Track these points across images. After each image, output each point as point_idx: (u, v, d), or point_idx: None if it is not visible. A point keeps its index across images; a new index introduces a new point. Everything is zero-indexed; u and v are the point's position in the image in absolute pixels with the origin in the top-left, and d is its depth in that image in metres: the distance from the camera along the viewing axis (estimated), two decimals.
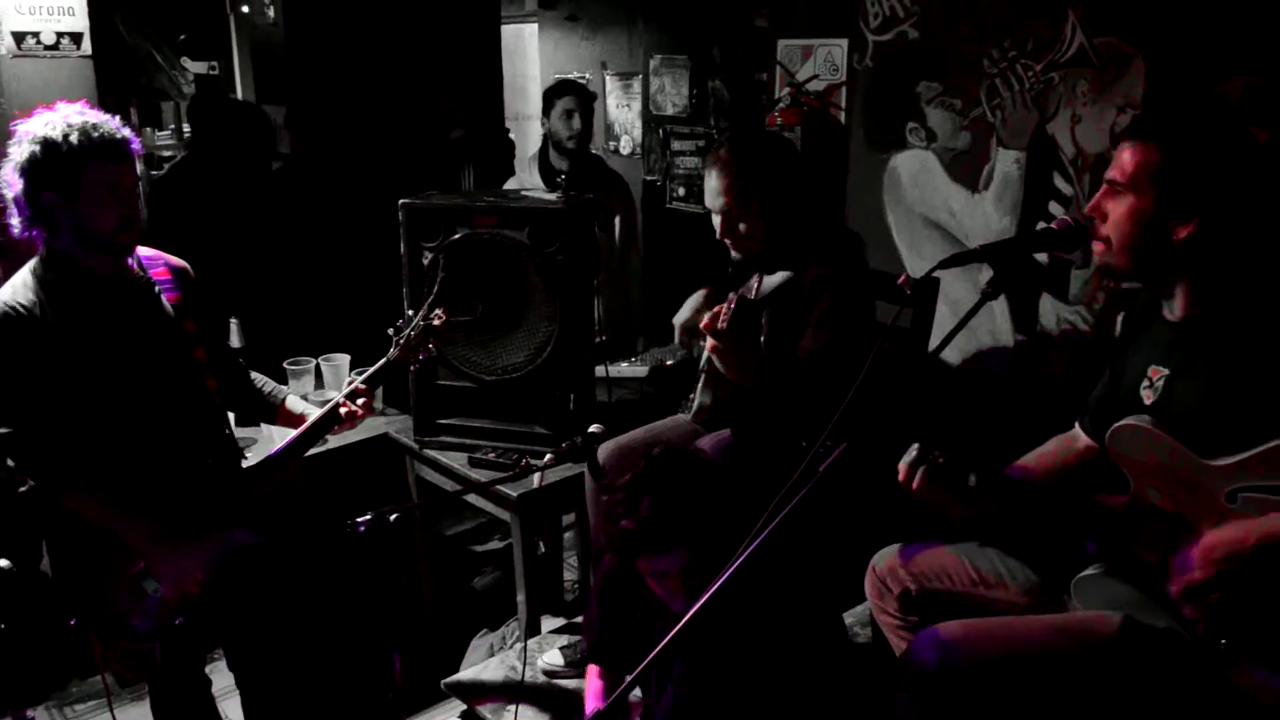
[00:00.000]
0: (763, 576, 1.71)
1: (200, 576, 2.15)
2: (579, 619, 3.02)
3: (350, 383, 2.42)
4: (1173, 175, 1.70)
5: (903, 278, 1.83)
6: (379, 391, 2.82)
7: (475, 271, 2.77)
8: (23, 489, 2.48)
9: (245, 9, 5.09)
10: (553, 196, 2.82)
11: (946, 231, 3.35)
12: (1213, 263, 1.73)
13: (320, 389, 3.18)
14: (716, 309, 2.32)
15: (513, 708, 2.52)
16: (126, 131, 2.11)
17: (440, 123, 4.39)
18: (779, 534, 1.50)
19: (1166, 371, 1.79)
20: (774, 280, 2.52)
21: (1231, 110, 2.56)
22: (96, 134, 2.04)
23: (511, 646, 3.01)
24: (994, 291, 1.76)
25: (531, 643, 2.78)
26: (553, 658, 2.68)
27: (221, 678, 2.54)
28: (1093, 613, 1.84)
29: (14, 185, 2.06)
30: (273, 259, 4.21)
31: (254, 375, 2.55)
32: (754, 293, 2.52)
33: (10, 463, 2.22)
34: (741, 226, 2.49)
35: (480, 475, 2.82)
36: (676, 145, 4.70)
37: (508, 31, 5.52)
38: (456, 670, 2.86)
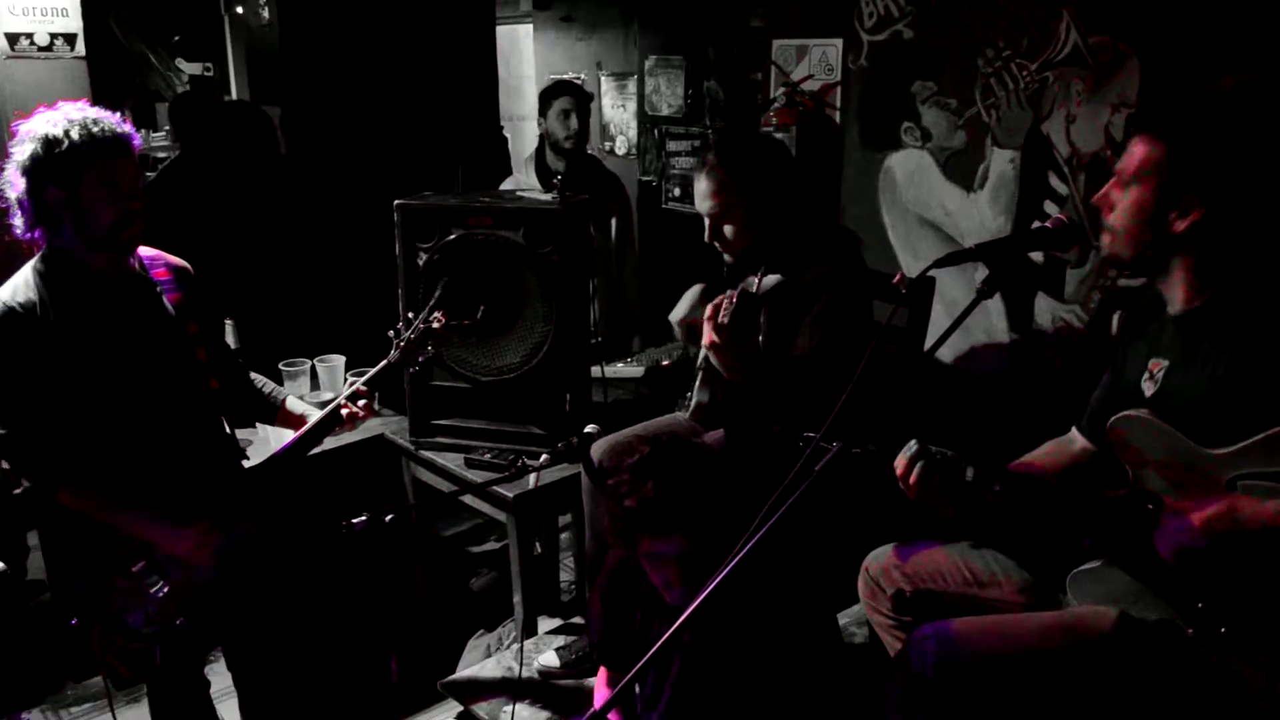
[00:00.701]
0: (759, 575, 1.71)
1: (211, 551, 2.14)
2: (575, 619, 3.02)
3: (350, 384, 2.41)
4: (1174, 167, 1.72)
5: (898, 277, 1.84)
6: (376, 393, 2.81)
7: (470, 272, 2.77)
8: (18, 490, 2.48)
9: (240, 10, 5.09)
10: (548, 197, 2.81)
11: (942, 231, 3.35)
12: (1214, 253, 1.75)
13: (316, 390, 3.18)
14: (718, 300, 2.32)
15: (509, 708, 2.52)
16: (127, 128, 2.11)
17: (446, 153, 4.39)
18: (775, 533, 1.50)
19: (1166, 363, 1.81)
20: (774, 278, 2.52)
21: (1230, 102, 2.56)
22: (98, 130, 2.04)
23: (508, 647, 3.01)
24: (989, 290, 1.77)
25: (528, 643, 2.77)
26: (549, 659, 2.68)
27: (219, 679, 2.54)
28: (1088, 608, 1.84)
29: (16, 185, 2.06)
30: (267, 259, 4.20)
31: (254, 376, 2.55)
32: (755, 288, 2.52)
33: (4, 465, 2.22)
34: (726, 230, 2.50)
35: (476, 476, 2.81)
36: (672, 145, 4.70)
37: (502, 32, 5.53)
38: (453, 671, 2.86)
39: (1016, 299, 3.16)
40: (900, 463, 1.83)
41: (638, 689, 2.10)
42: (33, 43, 3.54)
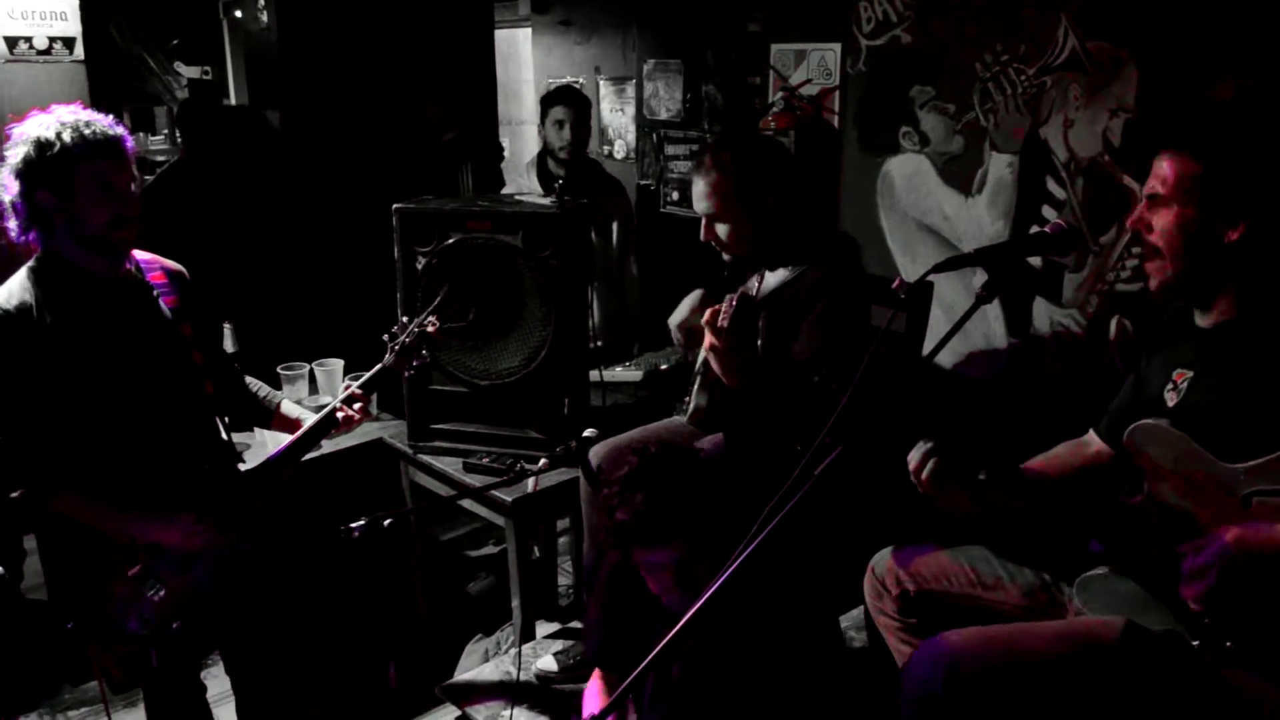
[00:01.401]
0: (758, 580, 1.71)
1: (202, 542, 2.13)
2: (574, 624, 3.01)
3: (346, 388, 2.41)
4: (1215, 182, 1.72)
5: (897, 281, 1.83)
6: (373, 397, 2.82)
7: (469, 276, 2.77)
8: (14, 495, 2.47)
9: (238, 14, 5.08)
10: (547, 201, 2.82)
11: (940, 235, 3.36)
12: (1256, 268, 1.75)
13: (314, 394, 3.18)
14: (717, 305, 2.32)
15: (507, 713, 2.51)
16: (120, 130, 2.11)
17: (429, 130, 4.38)
18: (774, 537, 1.50)
19: (1190, 374, 1.81)
20: (773, 282, 2.52)
21: (1257, 111, 2.56)
22: (89, 131, 2.04)
23: (506, 651, 3.01)
24: (988, 295, 1.77)
25: (526, 648, 2.77)
26: (547, 663, 2.67)
27: (216, 683, 2.54)
28: (1095, 618, 1.84)
29: (10, 188, 2.06)
30: (266, 263, 4.20)
31: (248, 379, 2.54)
32: (755, 292, 2.52)
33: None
34: (722, 230, 2.50)
35: (475, 480, 2.81)
36: (670, 150, 4.70)
37: (501, 36, 5.53)
38: (451, 675, 2.85)
39: (1015, 304, 3.16)
40: (914, 459, 1.83)
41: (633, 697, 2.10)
42: (31, 46, 3.54)
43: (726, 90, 4.33)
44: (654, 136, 4.76)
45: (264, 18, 4.32)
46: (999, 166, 3.14)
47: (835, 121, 3.64)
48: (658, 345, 3.81)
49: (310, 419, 2.42)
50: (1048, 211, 3.04)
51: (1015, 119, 3.07)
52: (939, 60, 3.25)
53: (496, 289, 2.78)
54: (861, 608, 2.70)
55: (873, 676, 2.26)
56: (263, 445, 3.00)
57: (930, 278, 1.83)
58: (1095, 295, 2.96)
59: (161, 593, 2.14)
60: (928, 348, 2.75)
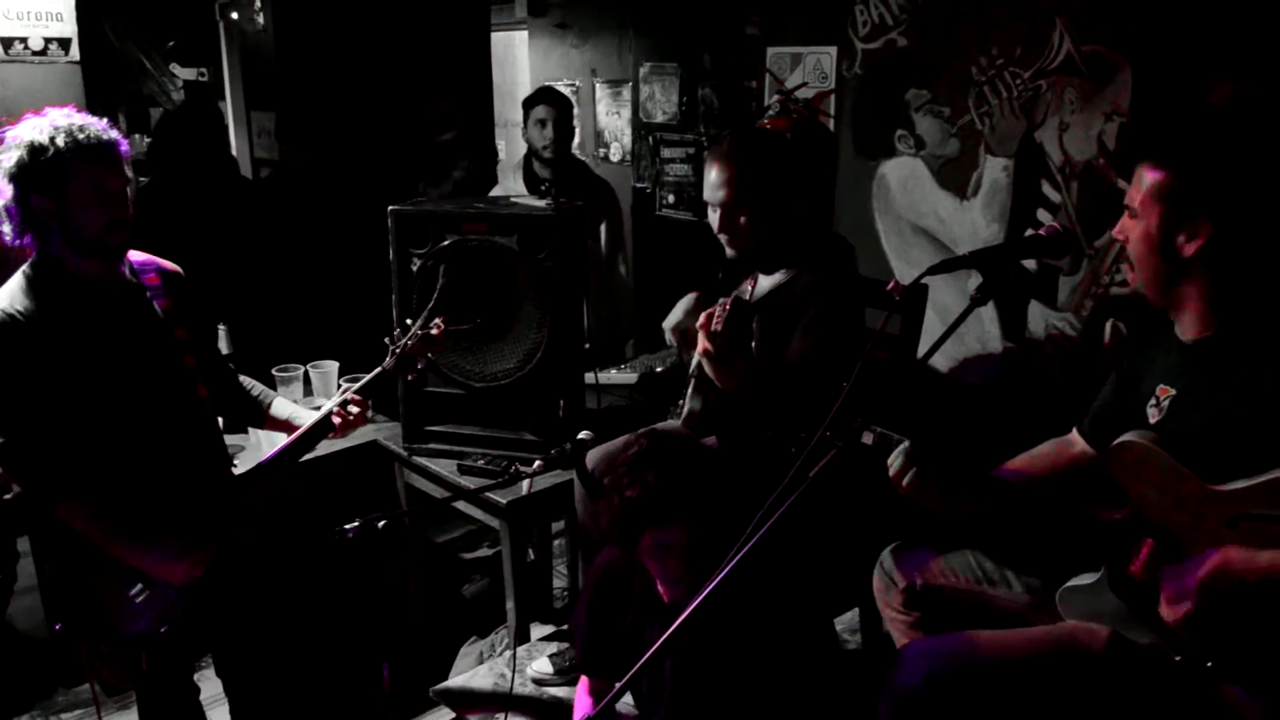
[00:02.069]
0: (754, 580, 1.71)
1: (198, 574, 2.13)
2: (568, 626, 3.01)
3: (342, 391, 2.41)
4: (1178, 193, 1.73)
5: (892, 284, 1.84)
6: (371, 400, 2.81)
7: (465, 278, 2.77)
8: (7, 496, 2.47)
9: (235, 15, 5.08)
10: (543, 204, 2.82)
11: (935, 238, 3.36)
12: (1224, 280, 1.75)
13: (309, 395, 3.17)
14: (710, 310, 2.32)
15: (501, 716, 2.51)
16: (114, 133, 2.10)
17: (434, 125, 4.38)
18: (770, 539, 1.50)
19: (1174, 392, 1.81)
20: (767, 285, 2.52)
21: (1228, 119, 2.58)
22: (83, 136, 2.03)
23: (501, 654, 3.00)
24: (983, 298, 1.77)
25: (521, 650, 2.77)
26: (542, 665, 2.67)
27: (210, 685, 2.53)
28: (1080, 624, 1.84)
29: (3, 192, 2.05)
30: (261, 264, 4.20)
31: (242, 378, 2.54)
32: (749, 295, 2.52)
33: None
34: (741, 219, 2.48)
35: (469, 482, 2.81)
36: (666, 152, 4.70)
37: (497, 38, 5.53)
38: (445, 678, 2.85)
39: (1010, 307, 3.16)
40: (894, 463, 1.83)
41: (630, 701, 2.10)
42: (27, 47, 3.53)
43: (723, 93, 4.34)
44: (650, 139, 4.77)
45: (260, 19, 4.32)
46: (994, 170, 3.15)
47: (831, 125, 3.64)
48: (652, 348, 3.82)
49: (302, 415, 2.42)
50: (1043, 215, 3.04)
51: (1010, 122, 3.07)
52: (934, 64, 3.25)
53: (492, 291, 2.78)
54: (856, 611, 2.71)
55: (867, 678, 2.26)
56: (257, 447, 2.99)
57: (925, 280, 1.83)
58: (1090, 298, 2.96)
59: (147, 594, 2.13)
60: (922, 350, 2.76)
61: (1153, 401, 1.84)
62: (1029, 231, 3.03)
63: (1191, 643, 1.67)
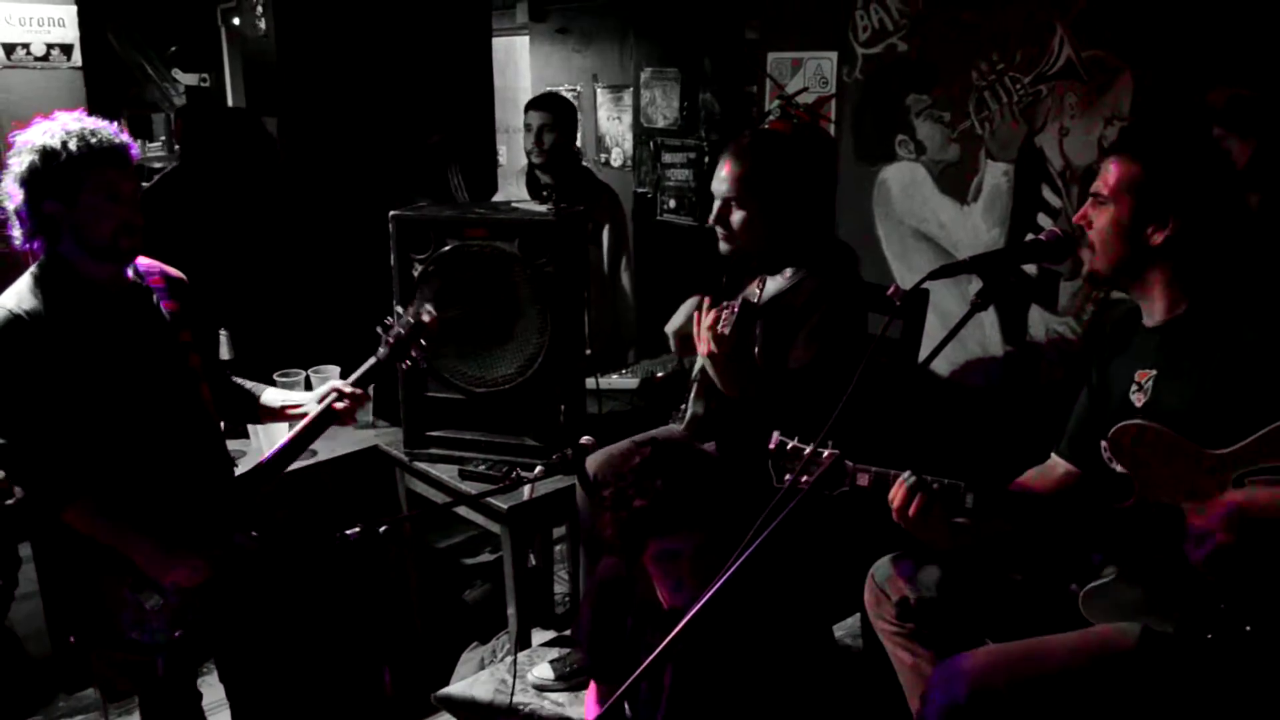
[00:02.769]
0: (753, 587, 1.71)
1: (202, 579, 2.14)
2: (569, 632, 3.01)
3: (330, 390, 2.38)
4: (1149, 186, 1.80)
5: (893, 288, 1.84)
6: (370, 390, 2.80)
7: (465, 283, 2.77)
8: (10, 501, 2.47)
9: (236, 21, 5.09)
10: (543, 209, 2.82)
11: (936, 243, 3.36)
12: (1189, 265, 1.82)
13: None
14: (716, 312, 2.31)
15: None
16: (125, 138, 2.11)
17: (432, 159, 4.37)
18: (769, 546, 1.50)
19: (1154, 372, 1.84)
20: (772, 289, 2.52)
21: (1213, 119, 2.59)
22: (95, 140, 2.04)
23: (502, 660, 3.00)
24: (983, 303, 1.78)
25: (522, 655, 2.77)
26: (543, 671, 2.67)
27: (212, 691, 2.53)
28: (1110, 626, 1.84)
29: (14, 197, 2.05)
30: (262, 270, 4.20)
31: (235, 380, 2.54)
32: (757, 299, 2.52)
33: (1, 473, 2.20)
34: (735, 218, 2.49)
35: (470, 487, 2.81)
36: (667, 158, 4.71)
37: (499, 44, 5.54)
38: (447, 683, 2.85)
39: (1010, 311, 3.16)
40: (897, 494, 1.82)
41: (627, 705, 2.10)
42: (29, 53, 3.54)
43: (723, 98, 4.34)
44: (651, 144, 4.77)
45: (262, 25, 4.32)
46: (995, 175, 3.15)
47: (831, 130, 3.65)
48: (654, 352, 3.81)
49: (294, 399, 2.42)
50: (1043, 219, 3.04)
51: (1011, 128, 3.08)
52: (935, 69, 3.26)
53: (492, 296, 2.78)
54: (858, 615, 2.71)
55: (867, 683, 2.26)
56: (258, 451, 2.99)
57: (926, 285, 1.83)
58: (1090, 303, 2.97)
59: (159, 602, 2.13)
60: (924, 355, 2.76)
61: (1135, 388, 1.86)
62: (1029, 236, 3.05)
63: (1225, 608, 1.67)
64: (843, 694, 2.09)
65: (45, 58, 3.58)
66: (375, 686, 2.99)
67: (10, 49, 3.51)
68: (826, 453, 1.80)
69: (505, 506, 2.73)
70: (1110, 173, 1.84)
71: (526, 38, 5.58)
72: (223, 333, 3.21)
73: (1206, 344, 1.78)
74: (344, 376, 3.13)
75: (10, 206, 2.07)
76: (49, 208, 2.04)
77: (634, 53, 4.81)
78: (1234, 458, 1.69)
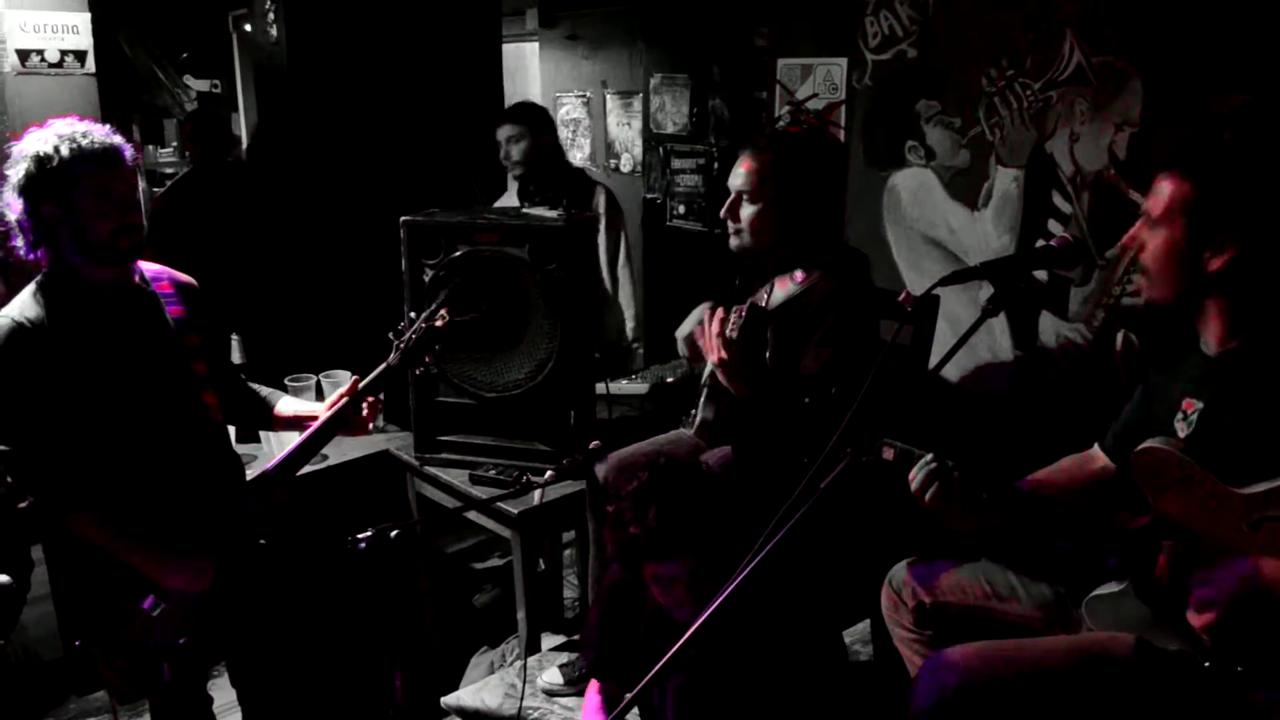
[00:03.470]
0: (764, 592, 1.71)
1: (207, 584, 2.14)
2: (579, 636, 3.01)
3: (343, 393, 2.39)
4: (1204, 207, 1.72)
5: (904, 295, 1.84)
6: (381, 396, 2.81)
7: (476, 288, 2.78)
8: (22, 505, 2.48)
9: (248, 27, 5.11)
10: (554, 214, 2.83)
11: (946, 249, 3.36)
12: (1247, 293, 1.74)
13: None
14: (724, 317, 2.32)
15: None
16: (118, 139, 2.12)
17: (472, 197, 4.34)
18: (781, 550, 1.50)
19: (1201, 405, 1.79)
20: (782, 295, 2.52)
21: (1222, 124, 2.58)
22: (86, 141, 2.05)
23: (511, 664, 3.01)
24: (994, 309, 1.77)
25: (531, 660, 2.77)
26: (552, 676, 2.67)
27: (222, 694, 2.53)
28: (1105, 634, 1.83)
29: (14, 206, 2.07)
30: (274, 275, 4.22)
31: (250, 385, 2.55)
32: (765, 303, 2.52)
33: (9, 479, 2.21)
34: (746, 212, 2.50)
35: (481, 492, 2.81)
36: (676, 163, 4.72)
37: (509, 50, 5.56)
38: (457, 688, 2.85)
39: (1021, 317, 3.16)
40: (916, 477, 1.82)
41: (638, 708, 2.10)
42: (43, 59, 3.57)
43: (733, 104, 4.35)
44: (660, 150, 4.78)
45: (273, 31, 4.34)
46: (1005, 181, 3.15)
47: (841, 136, 3.65)
48: (664, 358, 3.82)
49: (307, 408, 2.43)
50: (1054, 226, 3.04)
51: (1021, 133, 3.08)
52: (945, 75, 3.26)
53: (503, 301, 2.79)
54: (868, 621, 2.70)
55: (878, 690, 2.26)
56: (269, 456, 3.00)
57: (936, 291, 1.83)
58: (1101, 309, 2.96)
59: (164, 607, 2.14)
60: (934, 361, 2.76)
61: (1180, 416, 1.82)
62: (1040, 242, 3.05)
63: (1218, 649, 1.66)
64: (853, 700, 2.08)
65: (59, 64, 3.60)
66: (385, 691, 2.99)
67: (25, 56, 3.53)
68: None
69: (515, 511, 2.74)
70: (1162, 192, 1.76)
71: (536, 44, 5.60)
72: (235, 337, 3.22)
73: (1259, 380, 1.71)
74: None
75: (12, 217, 2.09)
76: (47, 212, 2.06)
77: (643, 59, 4.82)
78: (1258, 500, 1.64)
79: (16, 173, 2.06)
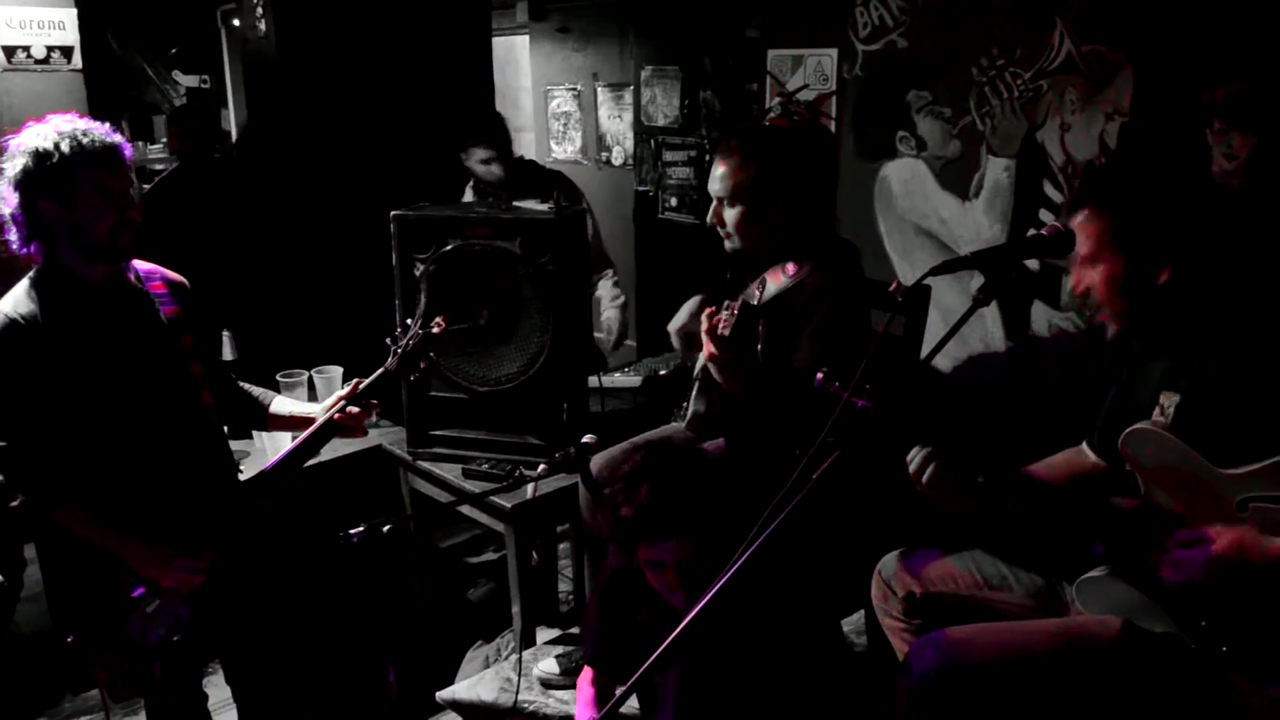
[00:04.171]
0: (759, 582, 1.71)
1: (198, 581, 2.14)
2: (574, 629, 3.01)
3: (349, 391, 2.39)
4: (1129, 231, 1.78)
5: (895, 285, 1.84)
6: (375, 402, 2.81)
7: (467, 283, 2.78)
8: (14, 504, 2.47)
9: (236, 22, 5.09)
10: (544, 208, 2.82)
11: (938, 239, 3.36)
12: (1202, 289, 1.79)
13: (313, 401, 3.17)
14: (715, 314, 2.32)
15: None
16: (117, 137, 2.12)
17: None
18: (775, 540, 1.50)
19: (1177, 398, 1.82)
20: (774, 289, 2.52)
21: (1214, 114, 2.58)
22: (87, 140, 2.05)
23: (506, 658, 3.01)
24: (985, 298, 1.77)
25: (526, 654, 2.77)
26: (548, 665, 2.67)
27: (218, 691, 2.53)
28: (1093, 616, 1.84)
29: (9, 200, 2.07)
30: (264, 270, 4.20)
31: (242, 384, 2.54)
32: (757, 299, 2.52)
33: (0, 478, 2.21)
34: (729, 215, 2.50)
35: (474, 486, 2.81)
36: (668, 156, 4.71)
37: (499, 43, 5.54)
38: (452, 682, 2.85)
39: (1013, 307, 3.16)
40: (915, 460, 1.83)
41: (635, 703, 2.10)
42: (30, 55, 3.55)
43: (724, 96, 4.34)
44: (652, 143, 4.77)
45: (262, 26, 4.32)
46: (996, 170, 3.15)
47: (832, 126, 3.65)
48: (656, 351, 3.81)
49: (302, 409, 2.43)
50: (1045, 215, 3.04)
51: (1012, 123, 3.08)
52: (935, 65, 3.25)
53: (495, 295, 2.78)
54: (863, 612, 2.71)
55: (873, 679, 2.26)
56: (262, 452, 3.00)
57: (928, 281, 1.83)
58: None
59: (157, 605, 2.14)
60: (926, 351, 2.76)
61: (1158, 411, 1.85)
62: (1031, 231, 3.05)
63: (1205, 626, 1.67)
64: (848, 689, 2.09)
65: (46, 60, 3.59)
66: (380, 686, 2.99)
67: (10, 52, 3.51)
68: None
69: (509, 505, 2.74)
70: (1086, 231, 1.82)
71: (527, 37, 5.58)
72: (225, 334, 3.21)
73: (1229, 366, 1.75)
74: (346, 378, 3.15)
75: (6, 211, 2.08)
76: (44, 209, 2.05)
77: (634, 51, 4.81)
78: (1243, 480, 1.67)
79: (14, 167, 2.05)
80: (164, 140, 6.76)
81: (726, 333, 2.26)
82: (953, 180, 3.28)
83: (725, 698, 1.94)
